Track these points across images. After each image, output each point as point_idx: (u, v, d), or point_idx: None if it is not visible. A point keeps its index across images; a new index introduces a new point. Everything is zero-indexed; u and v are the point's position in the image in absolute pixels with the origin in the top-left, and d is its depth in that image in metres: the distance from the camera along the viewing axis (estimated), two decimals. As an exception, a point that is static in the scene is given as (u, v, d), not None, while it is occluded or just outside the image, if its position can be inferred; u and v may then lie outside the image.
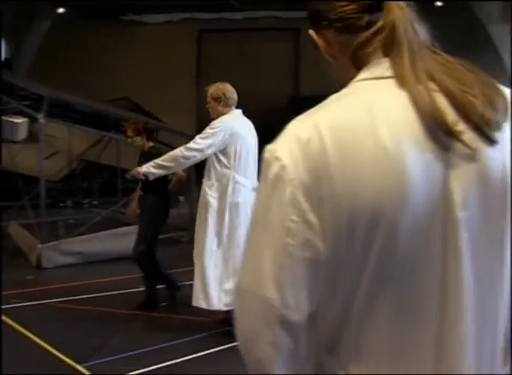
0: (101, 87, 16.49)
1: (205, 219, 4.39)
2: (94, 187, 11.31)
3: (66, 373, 3.83)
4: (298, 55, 18.11)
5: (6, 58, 20.88)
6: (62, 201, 10.60)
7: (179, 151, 4.44)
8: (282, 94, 17.05)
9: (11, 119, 10.76)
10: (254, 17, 18.02)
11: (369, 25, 0.89)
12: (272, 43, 18.25)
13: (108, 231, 6.77)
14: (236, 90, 4.51)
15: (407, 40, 0.87)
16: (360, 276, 0.83)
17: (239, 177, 4.42)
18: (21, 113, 12.20)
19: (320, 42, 0.97)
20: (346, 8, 0.90)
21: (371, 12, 0.89)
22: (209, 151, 4.35)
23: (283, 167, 0.84)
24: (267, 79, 17.37)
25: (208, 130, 4.39)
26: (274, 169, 0.85)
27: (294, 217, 0.82)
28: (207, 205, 4.39)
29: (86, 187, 11.49)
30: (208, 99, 4.57)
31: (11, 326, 4.61)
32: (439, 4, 12.51)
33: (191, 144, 4.41)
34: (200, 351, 4.12)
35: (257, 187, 0.93)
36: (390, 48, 0.88)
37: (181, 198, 11.04)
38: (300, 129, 0.86)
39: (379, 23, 0.88)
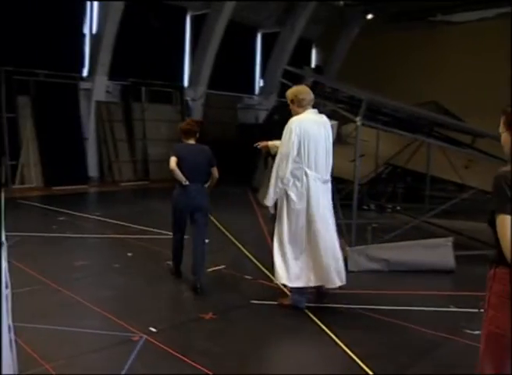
0: (408, 91, 16.18)
1: (284, 210, 4.94)
2: (398, 193, 11.05)
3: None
4: None
5: (317, 65, 22.34)
6: (366, 204, 10.64)
7: (275, 164, 4.91)
8: None
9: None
10: None
11: None
12: None
13: (417, 241, 6.39)
14: None
15: None
16: None
17: (309, 172, 4.84)
18: (331, 116, 12.69)
19: None
20: None
21: None
22: (295, 152, 4.82)
23: None
24: None
25: (282, 139, 4.88)
26: None
27: None
28: (288, 198, 4.90)
29: (390, 192, 11.32)
30: (288, 102, 5.10)
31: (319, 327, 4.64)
32: None
33: (279, 157, 4.88)
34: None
35: None
36: None
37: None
38: None
39: None
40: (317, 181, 4.88)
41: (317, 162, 4.89)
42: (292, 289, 5.05)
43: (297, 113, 4.99)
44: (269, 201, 5.01)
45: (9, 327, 2.05)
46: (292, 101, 5.01)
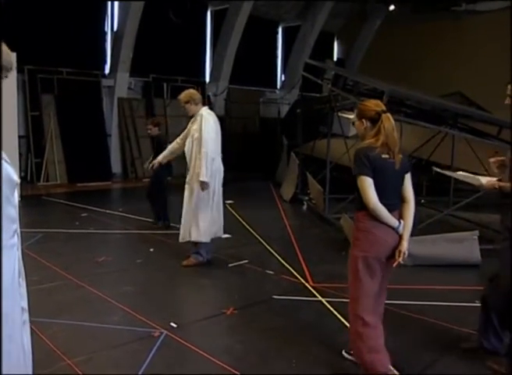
0: (432, 82, 15.95)
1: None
2: (422, 185, 10.88)
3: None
4: None
5: (339, 58, 22.15)
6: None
7: (204, 150, 5.85)
8: None
9: (345, 116, 11.10)
10: None
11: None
12: None
13: (442, 235, 6.26)
14: None
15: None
16: None
17: (217, 156, 6.08)
18: (353, 109, 12.53)
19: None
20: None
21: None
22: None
23: None
24: None
25: (203, 128, 5.89)
26: None
27: None
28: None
29: (414, 185, 11.15)
30: (182, 104, 6.12)
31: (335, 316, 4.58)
32: None
33: (206, 141, 5.87)
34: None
35: None
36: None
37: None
38: None
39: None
40: (221, 162, 6.16)
41: (219, 146, 6.13)
42: (201, 246, 6.15)
43: (194, 111, 6.06)
44: (207, 177, 5.87)
45: (23, 309, 2.16)
46: (188, 101, 6.03)
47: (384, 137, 3.34)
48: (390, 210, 3.40)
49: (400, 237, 3.45)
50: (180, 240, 6.21)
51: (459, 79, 16.04)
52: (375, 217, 3.38)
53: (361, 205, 3.40)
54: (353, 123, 3.56)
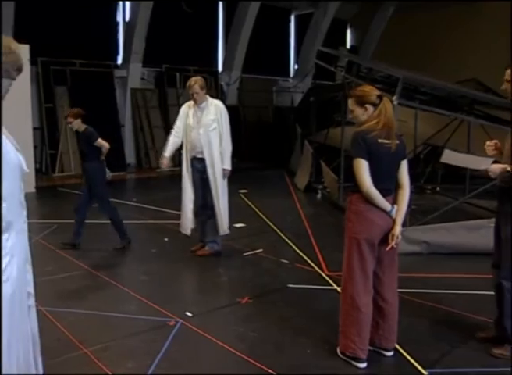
0: (448, 69, 15.73)
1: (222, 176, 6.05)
2: (438, 173, 10.77)
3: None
4: None
5: (352, 45, 21.97)
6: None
7: (226, 142, 5.91)
8: None
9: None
10: None
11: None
12: None
13: (459, 223, 6.19)
14: None
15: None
16: None
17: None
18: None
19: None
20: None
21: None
22: None
23: None
24: None
25: (225, 120, 5.91)
26: None
27: None
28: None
29: (429, 173, 11.05)
30: (197, 90, 5.81)
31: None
32: None
33: (228, 133, 5.92)
34: None
35: None
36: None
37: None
38: None
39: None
40: None
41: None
42: (217, 238, 6.22)
43: (204, 99, 5.91)
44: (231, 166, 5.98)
45: (29, 293, 2.27)
46: (203, 88, 5.88)
47: (386, 119, 3.41)
48: (384, 195, 3.45)
49: (393, 221, 3.50)
50: (222, 233, 6.25)
51: (474, 65, 15.81)
52: (367, 200, 3.43)
53: (356, 188, 3.46)
54: (352, 111, 3.55)
